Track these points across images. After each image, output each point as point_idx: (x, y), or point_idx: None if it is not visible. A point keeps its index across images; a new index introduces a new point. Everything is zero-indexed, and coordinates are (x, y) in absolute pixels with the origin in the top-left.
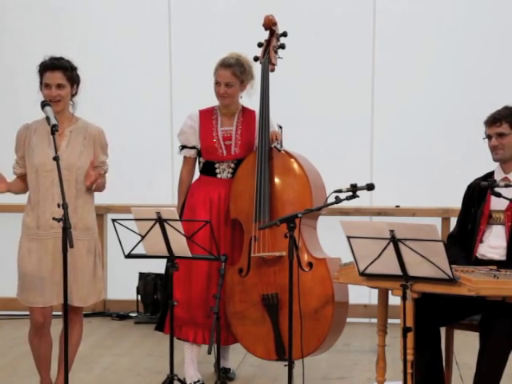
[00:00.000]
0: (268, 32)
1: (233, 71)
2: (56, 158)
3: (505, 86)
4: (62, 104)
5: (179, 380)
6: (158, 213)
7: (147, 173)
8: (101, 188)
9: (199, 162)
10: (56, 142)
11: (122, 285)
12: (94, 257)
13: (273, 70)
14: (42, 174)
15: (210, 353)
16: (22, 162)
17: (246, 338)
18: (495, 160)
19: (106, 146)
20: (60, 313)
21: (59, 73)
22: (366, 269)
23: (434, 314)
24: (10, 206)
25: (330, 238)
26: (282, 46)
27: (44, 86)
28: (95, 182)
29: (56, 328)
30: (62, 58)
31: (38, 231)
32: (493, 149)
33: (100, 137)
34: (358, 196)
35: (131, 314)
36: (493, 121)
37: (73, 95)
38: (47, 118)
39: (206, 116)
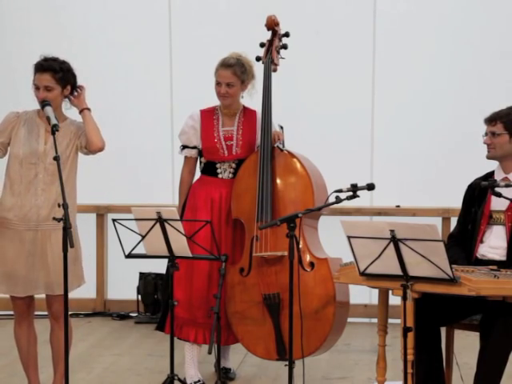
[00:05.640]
0: (270, 32)
1: (233, 71)
2: (56, 158)
3: (505, 86)
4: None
5: (180, 380)
6: (159, 213)
7: (148, 173)
8: (93, 131)
9: (200, 162)
10: (45, 137)
11: (122, 285)
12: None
13: (275, 71)
14: (26, 167)
15: (210, 353)
16: (3, 148)
17: (247, 338)
18: (487, 157)
19: None
20: (46, 313)
21: (48, 75)
22: (366, 269)
23: (434, 314)
24: None
25: (330, 238)
26: (285, 47)
27: (34, 86)
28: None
29: (44, 328)
30: (54, 59)
31: (15, 222)
32: (486, 146)
33: None
34: (358, 196)
35: (131, 314)
36: (489, 119)
37: (66, 96)
38: (47, 118)
39: (207, 116)
